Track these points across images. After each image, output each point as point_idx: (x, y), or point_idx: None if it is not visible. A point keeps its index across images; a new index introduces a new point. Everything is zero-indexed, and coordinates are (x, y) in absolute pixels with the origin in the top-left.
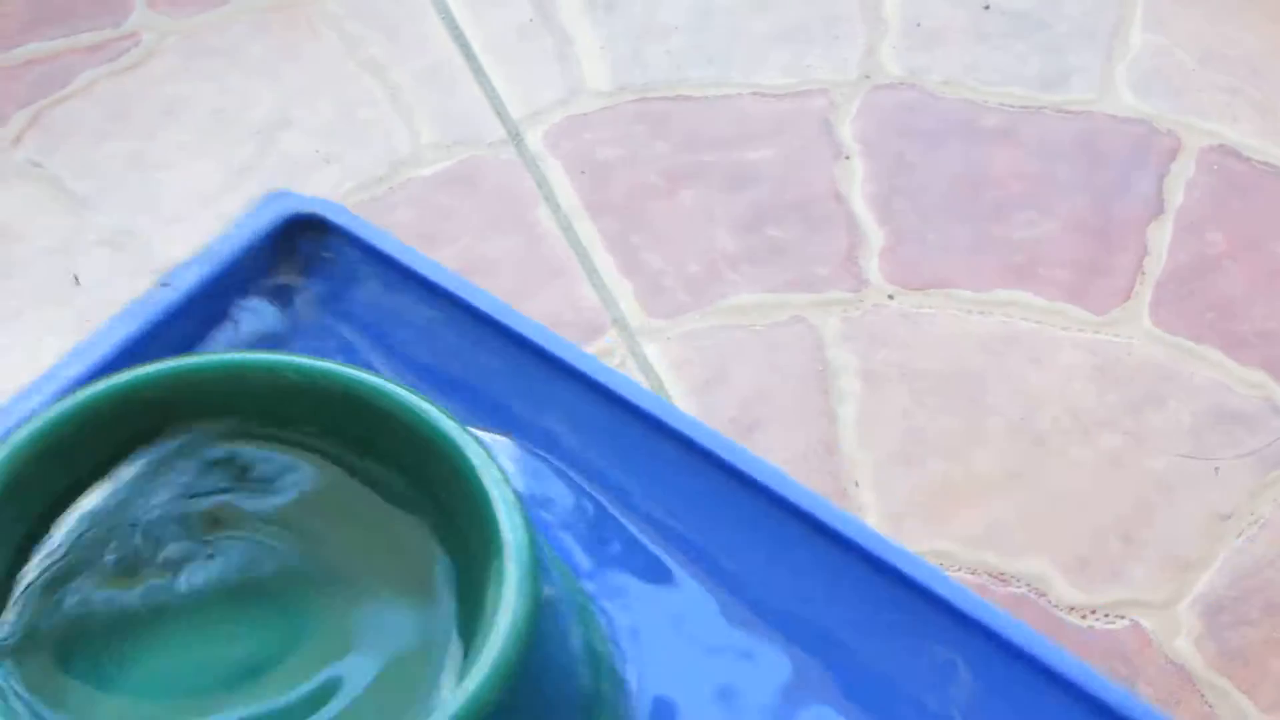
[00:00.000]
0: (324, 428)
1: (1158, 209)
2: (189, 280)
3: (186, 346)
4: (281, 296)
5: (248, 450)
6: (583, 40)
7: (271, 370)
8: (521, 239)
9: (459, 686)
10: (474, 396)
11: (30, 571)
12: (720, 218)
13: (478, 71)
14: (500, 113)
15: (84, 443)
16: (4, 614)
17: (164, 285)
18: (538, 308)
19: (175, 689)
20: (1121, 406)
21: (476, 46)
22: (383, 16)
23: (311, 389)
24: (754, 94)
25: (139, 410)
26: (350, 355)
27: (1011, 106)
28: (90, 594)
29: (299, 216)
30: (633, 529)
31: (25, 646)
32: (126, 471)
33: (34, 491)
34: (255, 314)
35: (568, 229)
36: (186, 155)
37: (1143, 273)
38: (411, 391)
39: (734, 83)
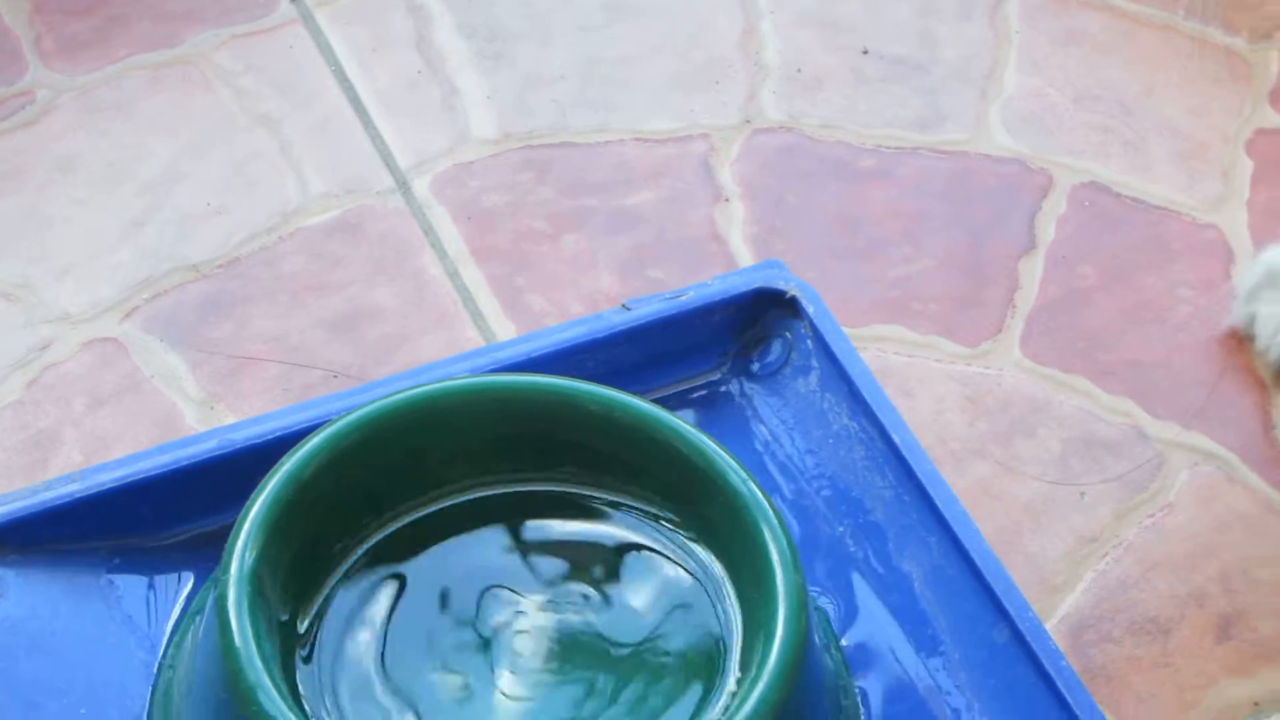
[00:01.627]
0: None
1: (1029, 244)
2: (651, 311)
3: (609, 375)
4: (721, 354)
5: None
6: (469, 90)
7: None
8: (409, 284)
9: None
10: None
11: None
12: (603, 260)
13: (367, 123)
14: (388, 162)
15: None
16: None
17: (625, 307)
18: (423, 351)
19: None
20: (992, 435)
21: (366, 99)
22: (275, 71)
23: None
24: (636, 139)
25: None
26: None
27: (888, 148)
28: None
29: (774, 292)
30: None
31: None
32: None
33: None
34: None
35: (453, 274)
36: (80, 209)
37: (1014, 306)
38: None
39: (617, 129)
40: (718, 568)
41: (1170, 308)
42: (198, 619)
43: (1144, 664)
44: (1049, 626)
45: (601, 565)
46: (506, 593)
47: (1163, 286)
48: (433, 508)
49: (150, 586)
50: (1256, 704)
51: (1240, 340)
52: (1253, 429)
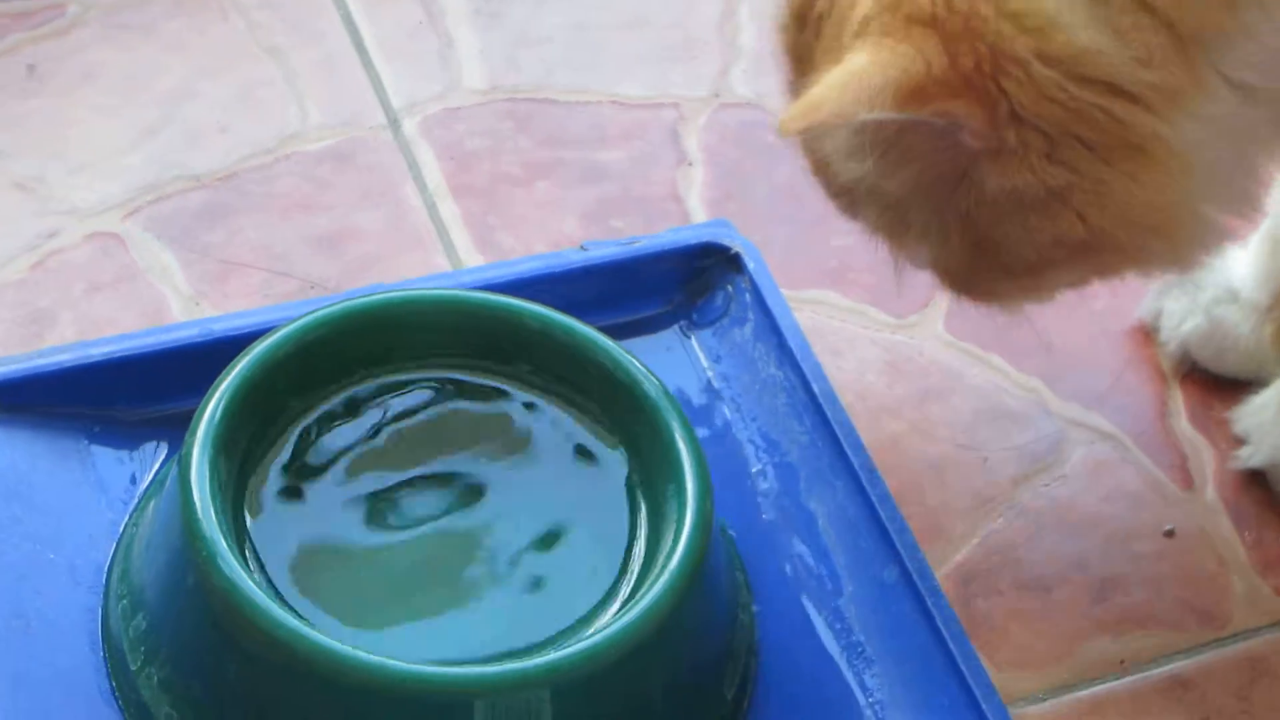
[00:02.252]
0: (537, 366)
1: None
2: (605, 253)
3: (564, 309)
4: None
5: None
6: (464, 44)
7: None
8: (389, 212)
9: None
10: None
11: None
12: (570, 208)
13: (367, 64)
14: (383, 101)
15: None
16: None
17: (583, 248)
18: (397, 272)
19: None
20: (908, 398)
21: (368, 42)
22: (287, 8)
23: (539, 333)
24: (613, 102)
25: (383, 331)
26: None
27: None
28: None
29: (720, 247)
30: None
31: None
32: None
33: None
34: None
35: (431, 206)
36: (97, 115)
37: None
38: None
39: (596, 91)
40: (637, 472)
41: (1089, 299)
42: (163, 487)
43: (1024, 616)
44: (941, 574)
45: (526, 447)
46: (440, 467)
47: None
48: (388, 379)
49: (125, 456)
50: (1123, 662)
51: (1147, 333)
52: (1149, 415)
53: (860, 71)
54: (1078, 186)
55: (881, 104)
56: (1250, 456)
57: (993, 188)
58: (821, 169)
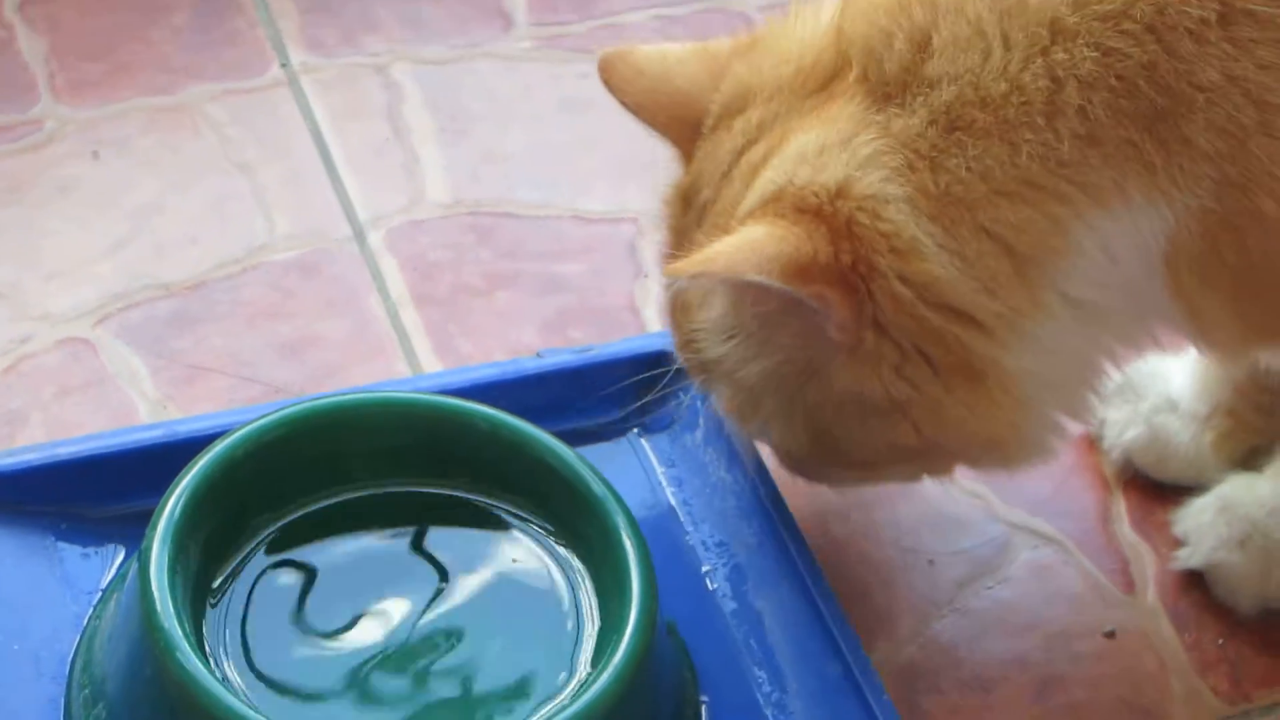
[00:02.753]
0: (486, 467)
1: None
2: (560, 360)
3: (519, 415)
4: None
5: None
6: (429, 159)
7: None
8: (353, 320)
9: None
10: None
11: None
12: (529, 318)
13: (334, 178)
14: (349, 213)
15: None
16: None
17: (539, 355)
18: (359, 378)
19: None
20: (856, 503)
21: (336, 157)
22: (259, 125)
23: (488, 435)
24: (573, 216)
25: (338, 431)
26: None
27: None
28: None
29: (672, 355)
30: None
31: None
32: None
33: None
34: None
35: (394, 315)
36: (71, 226)
37: None
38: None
39: (557, 206)
40: (584, 573)
41: None
42: (125, 581)
43: (965, 713)
44: (884, 672)
45: (476, 559)
46: (385, 593)
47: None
48: (341, 498)
49: (90, 552)
50: None
51: (1091, 441)
52: (1091, 520)
53: (755, 239)
54: (916, 402)
55: (770, 272)
56: (1189, 557)
57: (840, 387)
58: (686, 345)
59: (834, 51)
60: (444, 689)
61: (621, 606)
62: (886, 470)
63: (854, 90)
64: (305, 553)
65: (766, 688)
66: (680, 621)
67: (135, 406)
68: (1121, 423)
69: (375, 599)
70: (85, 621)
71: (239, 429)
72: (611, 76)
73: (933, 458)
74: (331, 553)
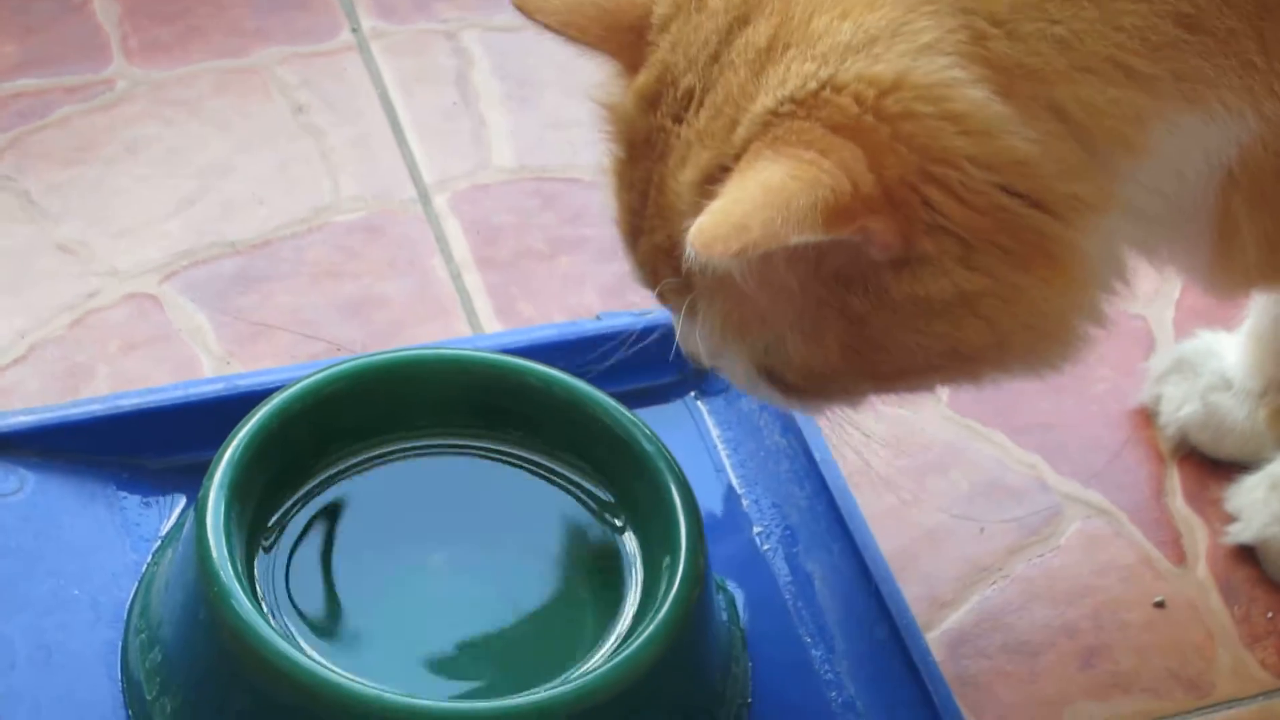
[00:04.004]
0: (540, 424)
1: None
2: (618, 322)
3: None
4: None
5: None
6: (496, 125)
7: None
8: (416, 281)
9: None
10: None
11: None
12: (590, 282)
13: (401, 142)
14: (415, 177)
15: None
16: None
17: (598, 318)
18: (419, 337)
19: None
20: (909, 470)
21: (404, 122)
22: (327, 88)
23: (542, 392)
24: None
25: (395, 386)
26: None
27: None
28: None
29: None
30: None
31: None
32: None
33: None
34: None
35: (456, 277)
36: (140, 185)
37: None
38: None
39: None
40: (633, 530)
41: (1090, 382)
42: (183, 530)
43: (1011, 679)
44: (932, 637)
45: (526, 513)
46: (434, 543)
47: (1086, 363)
48: (394, 448)
49: (150, 501)
50: None
51: (1147, 416)
52: (1145, 494)
53: (783, 190)
54: (991, 292)
55: (811, 227)
56: (1241, 532)
57: (899, 294)
58: (670, 249)
59: None
60: (489, 640)
61: (670, 564)
62: (920, 380)
63: None
64: (357, 503)
65: (814, 649)
66: (730, 581)
67: (199, 362)
68: (1178, 399)
69: (425, 549)
70: (144, 568)
71: (297, 382)
72: (526, 2)
73: (983, 362)
74: (383, 504)
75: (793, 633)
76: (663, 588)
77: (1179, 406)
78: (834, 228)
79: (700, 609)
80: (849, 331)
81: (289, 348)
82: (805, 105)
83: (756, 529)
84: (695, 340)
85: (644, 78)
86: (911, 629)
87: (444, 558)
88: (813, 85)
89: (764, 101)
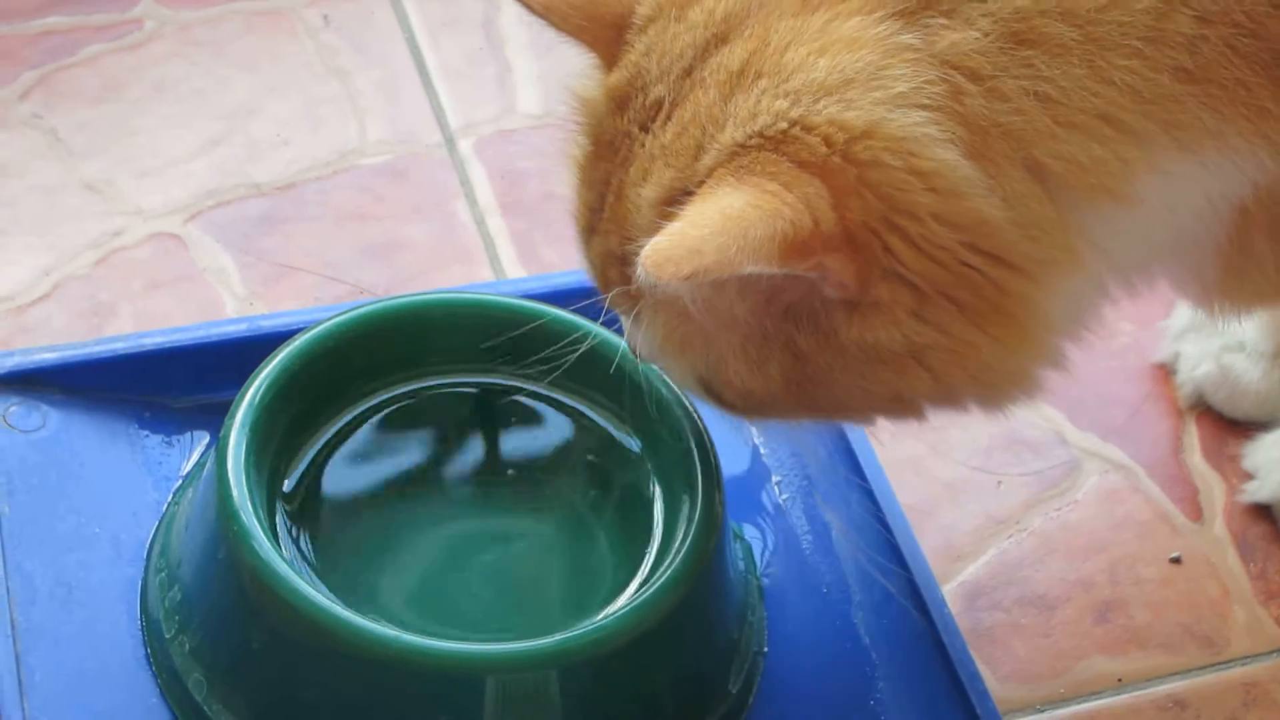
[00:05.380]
0: (562, 369)
1: None
2: None
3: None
4: None
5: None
6: (522, 71)
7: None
8: (440, 225)
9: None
10: None
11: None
12: None
13: (427, 86)
14: (440, 121)
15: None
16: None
17: None
18: (443, 281)
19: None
20: (928, 423)
21: (430, 66)
22: (355, 31)
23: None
24: None
25: (415, 328)
26: None
27: None
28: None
29: None
30: None
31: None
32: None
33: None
34: None
35: (480, 222)
36: (166, 125)
37: None
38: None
39: None
40: (651, 474)
41: (1110, 338)
42: (204, 470)
43: (1026, 632)
44: (948, 589)
45: (546, 455)
46: (455, 485)
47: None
48: (416, 387)
49: (172, 440)
50: (1120, 680)
51: (1166, 373)
52: (1163, 449)
53: (741, 218)
54: (941, 346)
55: (767, 258)
56: (1257, 490)
57: (848, 338)
58: (622, 260)
59: None
60: (508, 583)
61: (688, 510)
62: (860, 416)
63: None
64: (379, 443)
65: (831, 599)
66: (748, 529)
67: (222, 302)
68: (1195, 357)
69: (446, 490)
70: (165, 507)
71: (320, 324)
72: None
73: (922, 407)
74: (405, 443)
75: (809, 583)
76: (680, 534)
77: (1195, 365)
78: (790, 261)
79: (717, 556)
80: (793, 366)
81: (313, 290)
82: (774, 141)
83: (775, 479)
84: (637, 343)
85: (616, 78)
86: (928, 581)
87: (469, 499)
88: (783, 125)
89: (732, 134)
